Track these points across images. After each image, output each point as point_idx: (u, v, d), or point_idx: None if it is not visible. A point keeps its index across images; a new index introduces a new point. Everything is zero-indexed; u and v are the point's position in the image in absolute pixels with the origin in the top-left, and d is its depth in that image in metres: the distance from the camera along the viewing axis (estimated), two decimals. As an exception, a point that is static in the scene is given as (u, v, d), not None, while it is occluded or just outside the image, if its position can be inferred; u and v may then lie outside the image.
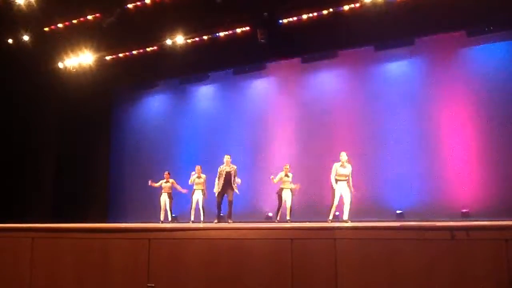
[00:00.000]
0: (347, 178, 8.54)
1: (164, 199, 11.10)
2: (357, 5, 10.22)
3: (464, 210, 9.65)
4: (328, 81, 11.88)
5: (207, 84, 13.41)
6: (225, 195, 9.16)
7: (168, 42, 11.91)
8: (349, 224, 7.04)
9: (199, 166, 10.45)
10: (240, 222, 8.98)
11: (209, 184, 10.06)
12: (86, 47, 12.39)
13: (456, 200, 9.82)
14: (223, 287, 4.50)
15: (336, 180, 8.51)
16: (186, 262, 4.71)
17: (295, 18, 10.96)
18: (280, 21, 11.11)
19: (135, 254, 4.94)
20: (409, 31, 10.40)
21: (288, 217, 9.45)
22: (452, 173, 10.04)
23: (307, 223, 6.96)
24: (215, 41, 11.90)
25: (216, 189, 9.19)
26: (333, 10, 10.57)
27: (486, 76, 10.04)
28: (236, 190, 9.19)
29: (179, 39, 11.81)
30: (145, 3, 10.99)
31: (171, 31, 11.66)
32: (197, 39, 11.96)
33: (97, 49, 12.42)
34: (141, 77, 13.54)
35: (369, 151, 10.65)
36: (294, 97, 12.17)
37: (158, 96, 14.27)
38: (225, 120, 12.81)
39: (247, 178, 9.92)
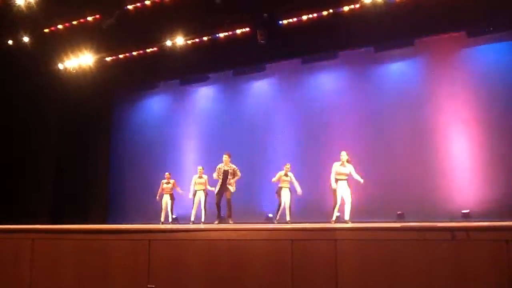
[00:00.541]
0: (347, 177, 8.53)
1: (166, 200, 11.13)
2: (357, 6, 10.23)
3: (464, 211, 9.64)
4: (328, 82, 11.89)
5: (207, 85, 13.42)
6: (224, 194, 9.18)
7: (168, 43, 11.92)
8: (350, 225, 7.03)
9: (201, 167, 10.48)
10: (240, 223, 8.97)
11: (211, 184, 10.13)
12: (86, 48, 12.40)
13: (456, 201, 9.82)
14: (224, 288, 4.50)
15: (336, 180, 8.50)
16: (186, 263, 4.70)
17: (295, 19, 10.97)
18: (280, 22, 11.12)
19: (135, 255, 4.94)
20: (409, 32, 10.42)
21: (288, 218, 9.45)
22: (453, 173, 10.04)
23: (307, 224, 6.95)
24: (215, 42, 11.91)
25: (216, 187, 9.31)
26: (333, 11, 10.59)
27: (486, 76, 10.04)
28: (231, 188, 9.18)
29: (179, 40, 11.82)
30: (145, 4, 10.98)
31: (171, 32, 11.67)
32: (197, 40, 11.98)
33: (97, 50, 12.43)
34: (141, 78, 13.56)
35: (369, 152, 10.64)
36: (294, 98, 12.17)
37: (158, 97, 14.28)
38: (225, 121, 12.81)
39: (247, 179, 9.92)
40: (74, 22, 11.79)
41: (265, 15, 10.85)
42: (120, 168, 14.11)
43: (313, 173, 10.78)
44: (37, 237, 5.57)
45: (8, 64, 11.90)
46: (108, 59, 12.99)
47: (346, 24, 10.44)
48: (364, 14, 10.06)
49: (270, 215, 11.22)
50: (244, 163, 10.17)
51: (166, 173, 11.25)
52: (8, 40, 12.04)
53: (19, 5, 10.80)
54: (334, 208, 8.47)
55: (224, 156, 9.39)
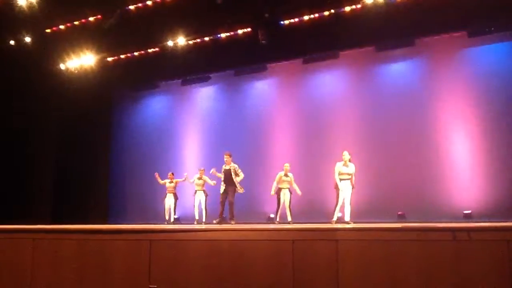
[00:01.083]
0: (350, 177, 8.51)
1: (169, 199, 11.17)
2: (358, 6, 10.21)
3: (466, 211, 9.62)
4: (329, 81, 11.87)
5: (208, 85, 13.40)
6: (228, 195, 9.21)
7: (169, 43, 11.92)
8: (351, 225, 7.03)
9: (202, 169, 10.68)
10: (241, 223, 8.97)
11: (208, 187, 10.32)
12: (87, 49, 12.40)
13: (457, 201, 9.80)
14: (224, 289, 4.50)
15: (339, 179, 8.48)
16: (187, 263, 4.71)
17: (296, 19, 10.96)
18: (281, 22, 11.11)
19: (136, 255, 4.94)
20: (410, 32, 10.40)
21: (289, 218, 9.44)
22: (454, 174, 10.02)
23: (308, 224, 6.95)
24: (216, 42, 11.91)
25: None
26: (334, 11, 10.57)
27: (487, 76, 10.02)
28: (239, 189, 9.21)
29: (180, 40, 11.82)
30: (146, 5, 10.98)
31: (172, 32, 11.67)
32: (198, 40, 11.97)
33: (99, 50, 12.43)
34: (142, 78, 13.56)
35: (370, 152, 10.62)
36: (295, 98, 12.17)
37: (159, 97, 14.28)
38: (226, 121, 12.81)
39: (248, 179, 9.91)
40: (76, 22, 11.78)
41: (267, 15, 10.85)
42: (121, 168, 14.11)
43: (315, 173, 10.77)
44: (38, 237, 5.58)
45: (9, 64, 11.91)
46: (109, 59, 12.99)
47: (347, 24, 10.42)
48: (365, 14, 10.04)
49: (272, 215, 11.20)
50: (245, 163, 10.16)
51: (169, 173, 11.30)
52: (9, 40, 12.05)
53: (20, 5, 10.82)
54: (335, 208, 8.45)
55: (225, 156, 9.42)
